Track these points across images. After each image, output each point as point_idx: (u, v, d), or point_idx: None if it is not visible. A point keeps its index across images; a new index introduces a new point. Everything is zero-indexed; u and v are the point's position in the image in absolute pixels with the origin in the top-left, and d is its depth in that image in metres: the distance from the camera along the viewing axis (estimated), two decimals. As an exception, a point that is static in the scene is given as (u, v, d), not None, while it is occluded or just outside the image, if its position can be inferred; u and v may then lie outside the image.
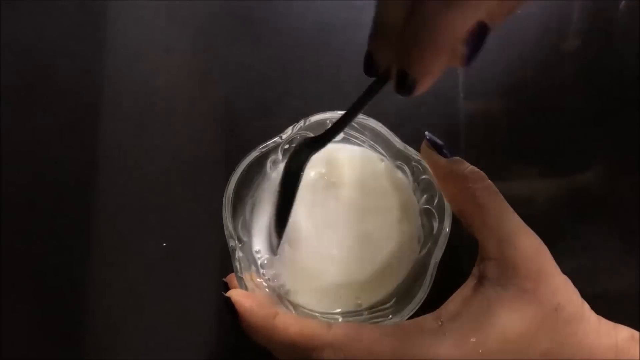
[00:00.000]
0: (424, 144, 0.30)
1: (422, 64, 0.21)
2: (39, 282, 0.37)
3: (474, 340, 0.26)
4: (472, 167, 0.29)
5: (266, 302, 0.28)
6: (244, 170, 0.31)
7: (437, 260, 0.30)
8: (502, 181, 0.30)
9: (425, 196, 0.33)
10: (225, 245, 0.36)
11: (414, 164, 0.32)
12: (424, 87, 0.22)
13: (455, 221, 0.31)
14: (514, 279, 0.27)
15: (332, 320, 0.30)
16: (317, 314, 0.32)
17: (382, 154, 0.34)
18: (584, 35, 0.40)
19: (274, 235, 0.32)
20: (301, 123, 0.32)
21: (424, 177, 0.32)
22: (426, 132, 0.31)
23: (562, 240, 0.37)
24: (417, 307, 0.29)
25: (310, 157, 0.28)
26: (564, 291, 0.27)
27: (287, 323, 0.27)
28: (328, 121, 0.32)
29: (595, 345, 0.27)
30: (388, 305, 0.31)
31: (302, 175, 0.29)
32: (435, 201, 0.31)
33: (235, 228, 0.31)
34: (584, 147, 0.39)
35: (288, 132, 0.32)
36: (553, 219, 0.38)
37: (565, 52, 0.40)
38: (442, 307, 0.29)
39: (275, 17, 0.41)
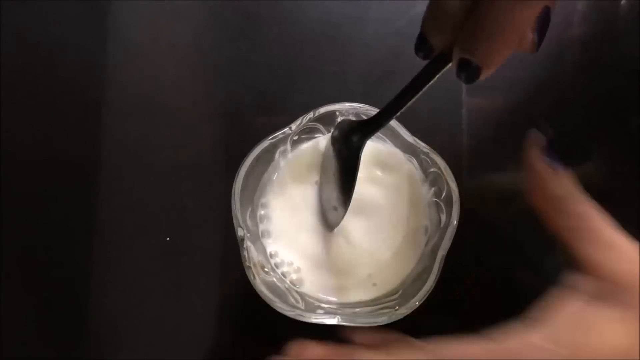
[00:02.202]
0: (529, 141, 0.27)
1: (490, 53, 0.21)
2: (41, 279, 0.37)
3: (571, 351, 0.24)
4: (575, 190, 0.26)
5: None
6: (253, 160, 0.31)
7: (445, 252, 0.30)
8: (504, 173, 0.30)
9: (433, 189, 0.33)
10: (227, 239, 0.36)
11: (422, 156, 0.32)
12: (488, 74, 0.22)
13: (462, 214, 0.31)
14: (617, 294, 0.25)
15: (337, 314, 0.30)
16: (323, 305, 0.32)
17: (391, 145, 0.34)
18: (584, 33, 0.40)
19: (331, 213, 0.32)
20: (310, 114, 0.32)
21: (432, 170, 0.32)
22: (536, 130, 0.28)
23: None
24: (423, 299, 0.29)
25: (366, 140, 0.28)
26: None
27: None
28: (337, 112, 0.33)
29: None
30: (395, 297, 0.31)
31: (360, 157, 0.29)
32: (443, 194, 0.32)
33: (243, 217, 0.31)
34: (585, 138, 0.39)
35: (297, 123, 0.32)
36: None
37: (566, 49, 0.40)
38: (545, 320, 0.26)
39: (280, 13, 0.41)
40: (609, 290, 0.25)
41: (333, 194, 0.32)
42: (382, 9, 0.41)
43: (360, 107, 0.32)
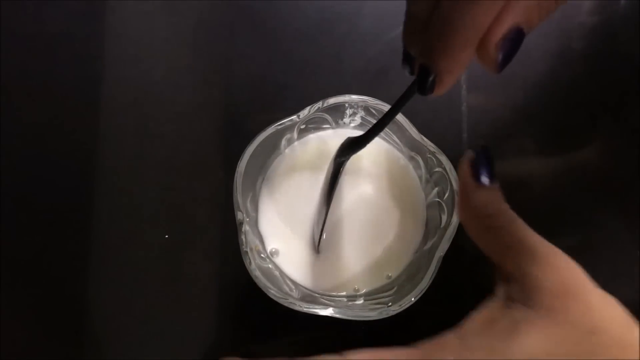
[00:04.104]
0: (464, 161, 0.26)
1: (444, 58, 0.20)
2: (37, 277, 0.37)
3: (486, 354, 0.23)
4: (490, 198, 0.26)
5: None
6: (258, 145, 0.31)
7: (443, 253, 0.30)
8: (503, 163, 0.29)
9: (436, 189, 0.33)
10: (225, 235, 0.36)
11: (428, 155, 0.32)
12: (444, 85, 0.21)
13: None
14: (540, 298, 0.24)
15: (329, 306, 0.30)
16: (316, 295, 0.32)
17: (397, 143, 0.34)
18: (584, 31, 0.40)
19: (316, 230, 0.32)
20: (319, 104, 0.32)
21: (437, 169, 0.32)
22: (476, 150, 0.26)
23: (563, 217, 0.38)
24: (417, 298, 0.29)
25: (350, 156, 0.29)
26: (602, 311, 0.23)
27: None
28: (346, 104, 0.32)
29: None
30: (388, 293, 0.31)
31: (340, 174, 0.29)
32: (446, 195, 0.31)
33: (244, 202, 0.31)
34: (583, 126, 0.39)
35: (305, 112, 0.32)
36: (554, 197, 0.38)
37: (566, 46, 0.40)
38: (464, 326, 0.25)
39: (276, 8, 0.40)
40: (520, 291, 0.24)
41: (319, 209, 0.32)
42: (377, 4, 0.40)
43: (370, 101, 0.32)
